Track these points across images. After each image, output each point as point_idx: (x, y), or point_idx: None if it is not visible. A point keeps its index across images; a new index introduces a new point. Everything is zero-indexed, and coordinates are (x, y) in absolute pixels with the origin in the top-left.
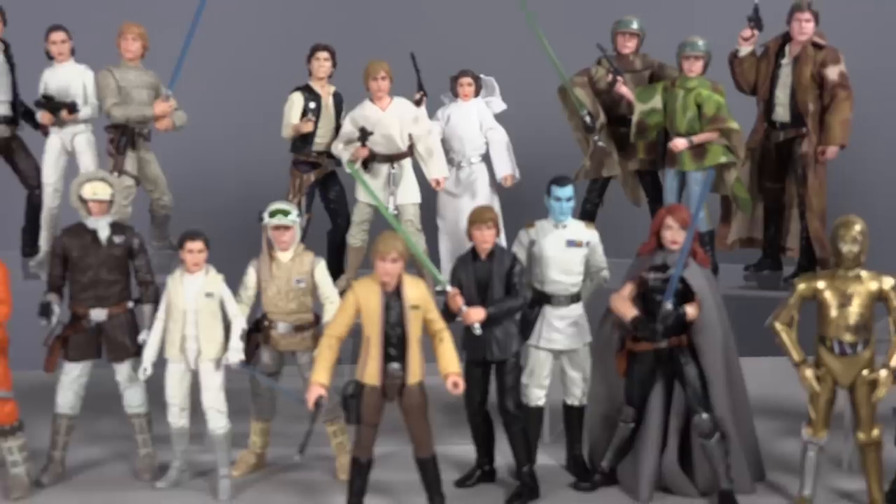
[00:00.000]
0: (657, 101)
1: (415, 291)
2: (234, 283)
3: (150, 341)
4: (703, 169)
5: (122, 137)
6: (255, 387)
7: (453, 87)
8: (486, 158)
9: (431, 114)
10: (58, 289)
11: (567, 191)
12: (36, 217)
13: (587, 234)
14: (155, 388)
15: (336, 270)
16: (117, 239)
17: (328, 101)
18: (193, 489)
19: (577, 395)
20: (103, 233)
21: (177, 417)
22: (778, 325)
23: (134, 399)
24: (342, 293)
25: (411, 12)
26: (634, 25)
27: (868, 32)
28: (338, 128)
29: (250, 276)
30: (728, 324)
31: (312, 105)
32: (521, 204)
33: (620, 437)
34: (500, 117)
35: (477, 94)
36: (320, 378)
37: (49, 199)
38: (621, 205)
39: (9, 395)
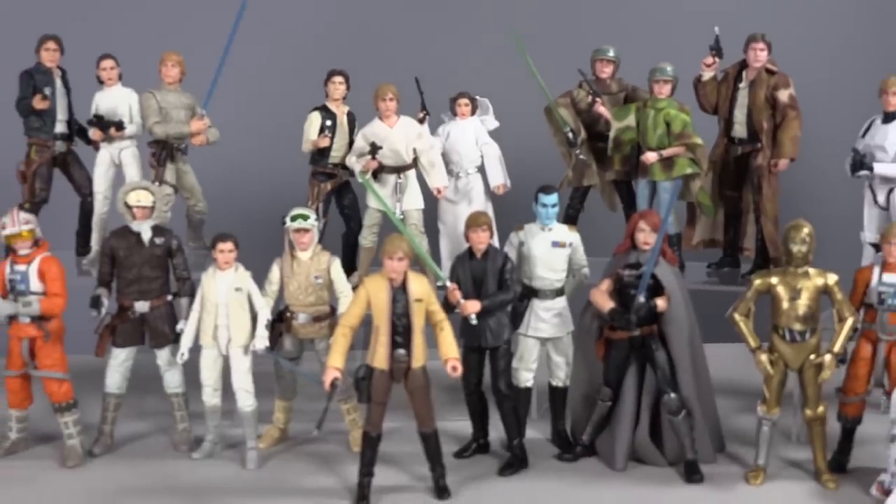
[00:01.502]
0: (631, 120)
1: (418, 286)
2: (260, 278)
3: (187, 330)
4: (672, 179)
5: (162, 152)
6: (278, 370)
7: (452, 107)
8: (481, 170)
9: (433, 130)
10: (106, 284)
11: (552, 198)
12: (88, 221)
13: (570, 236)
14: (191, 371)
15: (349, 268)
16: (158, 240)
17: (343, 120)
18: (225, 459)
19: (560, 377)
20: (146, 235)
21: (210, 396)
22: (737, 316)
23: (173, 380)
24: (355, 288)
25: (416, 41)
26: (611, 53)
27: (814, 61)
28: (351, 143)
29: (274, 273)
30: (693, 315)
31: (329, 123)
32: (512, 209)
33: (599, 414)
34: (493, 133)
35: (473, 113)
36: (336, 362)
37: (99, 206)
38: (600, 210)
39: (65, 376)
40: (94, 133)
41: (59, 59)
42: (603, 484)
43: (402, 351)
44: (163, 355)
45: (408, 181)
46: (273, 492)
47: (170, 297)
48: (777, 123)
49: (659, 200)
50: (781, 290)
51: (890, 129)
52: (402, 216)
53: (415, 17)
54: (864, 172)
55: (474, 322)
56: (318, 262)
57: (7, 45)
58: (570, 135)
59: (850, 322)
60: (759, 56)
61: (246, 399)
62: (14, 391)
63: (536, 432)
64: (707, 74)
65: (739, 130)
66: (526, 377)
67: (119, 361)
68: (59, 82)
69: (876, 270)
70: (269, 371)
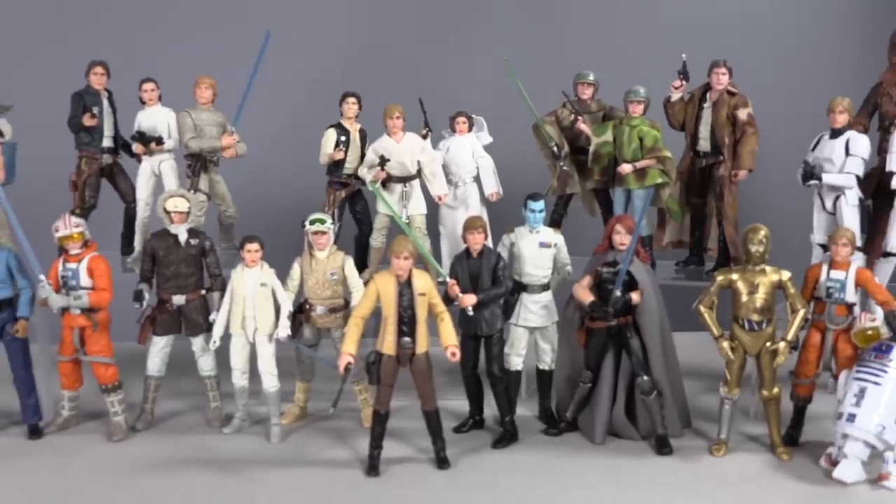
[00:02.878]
0: (608, 136)
1: (422, 282)
2: (283, 275)
3: (219, 320)
4: (644, 187)
5: (197, 164)
6: (298, 355)
7: (451, 124)
8: (477, 179)
9: (434, 145)
10: (148, 280)
11: (539, 204)
12: (131, 225)
13: (555, 237)
14: (222, 356)
15: (361, 265)
16: (193, 241)
17: (355, 136)
18: (252, 434)
19: (547, 361)
20: (182, 236)
21: (239, 378)
22: (702, 308)
23: (206, 364)
24: (366, 283)
25: (420, 67)
26: (591, 77)
27: (771, 83)
28: (363, 156)
29: (295, 270)
30: (663, 307)
31: (343, 138)
32: (504, 214)
33: (580, 394)
34: (487, 148)
35: (470, 129)
36: (349, 348)
37: (141, 211)
38: (581, 215)
39: (111, 361)
40: (136, 147)
41: (106, 81)
42: (584, 455)
43: (407, 339)
44: (197, 342)
45: (412, 189)
46: (294, 463)
47: (203, 292)
48: (737, 139)
49: (633, 206)
50: (741, 285)
51: (836, 144)
52: (407, 220)
53: (419, 46)
54: (813, 182)
55: (471, 313)
56: (334, 260)
57: (60, 70)
58: (555, 149)
59: (801, 313)
60: (721, 79)
61: (270, 381)
62: (66, 374)
63: (525, 410)
64: (675, 96)
65: (704, 145)
66: (516, 361)
67: (159, 348)
68: (105, 102)
69: (824, 268)
70: (290, 356)
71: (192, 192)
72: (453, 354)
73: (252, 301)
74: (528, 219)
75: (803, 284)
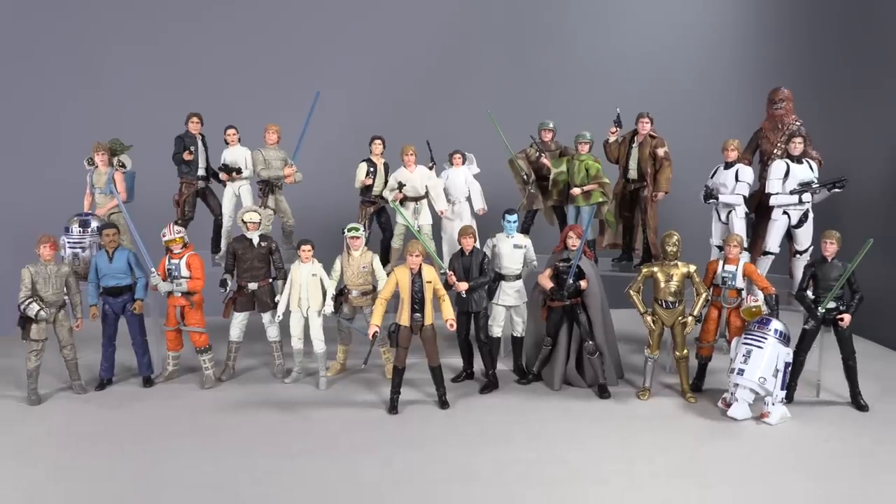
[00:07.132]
0: (564, 167)
1: (429, 273)
2: (328, 267)
3: (282, 301)
4: (589, 205)
5: (266, 188)
6: (339, 326)
7: (450, 159)
8: (469, 199)
9: (438, 174)
10: (230, 271)
11: (513, 217)
12: (218, 231)
13: (525, 241)
14: (284, 327)
15: (385, 261)
16: (263, 243)
17: (381, 167)
18: (305, 383)
19: (519, 330)
20: (255, 240)
21: (296, 343)
22: (631, 292)
23: (272, 332)
24: (388, 274)
25: (428, 117)
26: (551, 125)
27: (681, 128)
28: (386, 182)
29: (337, 264)
30: (603, 291)
31: (372, 169)
32: (488, 224)
33: (543, 354)
34: (476, 176)
35: (463, 163)
36: (376, 321)
37: (226, 222)
38: (543, 225)
39: (204, 330)
40: (222, 175)
41: (200, 128)
42: (546, 399)
43: (418, 314)
44: (266, 317)
45: (422, 206)
46: (336, 404)
47: (270, 280)
48: (657, 169)
49: (581, 219)
50: (660, 276)
51: (728, 173)
52: (418, 229)
53: (427, 102)
54: (712, 201)
55: (464, 296)
56: (365, 257)
57: (166, 118)
58: (525, 177)
59: (703, 296)
60: (645, 126)
61: (319, 345)
62: (171, 339)
63: (503, 366)
64: (612, 138)
65: (632, 174)
66: (497, 330)
67: (238, 321)
68: (200, 143)
69: (720, 263)
70: (333, 326)
71: (263, 208)
72: (451, 325)
73: (306, 287)
74: (505, 227)
75: (705, 275)
